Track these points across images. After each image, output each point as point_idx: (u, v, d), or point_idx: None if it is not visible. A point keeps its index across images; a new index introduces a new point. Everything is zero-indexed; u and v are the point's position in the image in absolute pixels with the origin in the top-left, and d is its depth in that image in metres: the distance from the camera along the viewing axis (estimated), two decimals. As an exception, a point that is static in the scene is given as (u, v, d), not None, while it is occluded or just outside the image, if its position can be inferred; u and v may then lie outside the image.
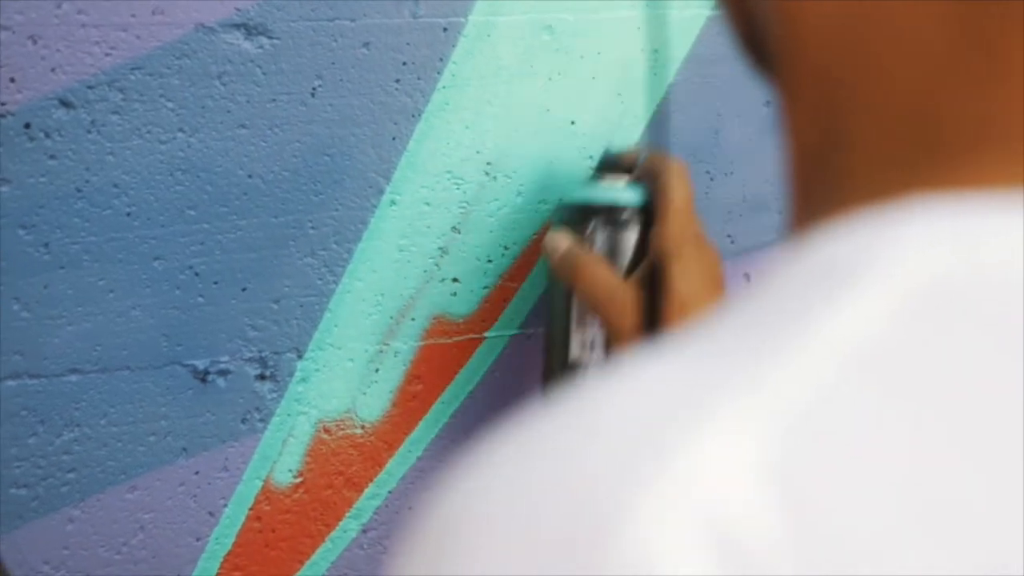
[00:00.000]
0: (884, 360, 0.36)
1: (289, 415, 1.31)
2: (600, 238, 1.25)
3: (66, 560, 1.24)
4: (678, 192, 1.20)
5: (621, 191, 1.25)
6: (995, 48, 0.38)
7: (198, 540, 1.30)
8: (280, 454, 1.32)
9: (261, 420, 1.30)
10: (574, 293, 1.24)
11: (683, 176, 1.23)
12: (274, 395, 1.30)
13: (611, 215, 1.25)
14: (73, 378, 1.21)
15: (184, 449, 1.27)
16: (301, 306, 1.30)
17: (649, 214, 1.23)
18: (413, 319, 1.35)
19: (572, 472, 0.36)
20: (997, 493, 0.33)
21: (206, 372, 1.27)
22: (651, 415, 0.36)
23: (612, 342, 1.20)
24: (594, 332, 1.24)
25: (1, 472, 1.19)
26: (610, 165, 1.30)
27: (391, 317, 1.34)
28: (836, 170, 0.42)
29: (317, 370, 1.32)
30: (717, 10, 0.47)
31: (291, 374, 1.31)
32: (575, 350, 1.25)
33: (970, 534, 0.33)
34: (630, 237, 1.24)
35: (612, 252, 1.24)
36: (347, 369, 1.33)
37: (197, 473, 1.29)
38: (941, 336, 0.36)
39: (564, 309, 1.26)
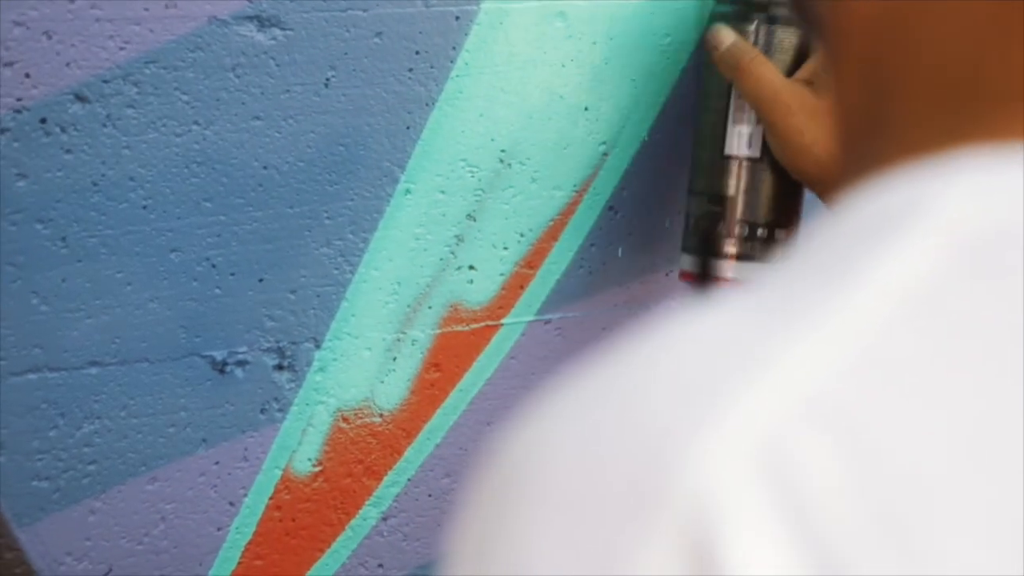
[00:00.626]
0: (933, 307, 0.36)
1: (308, 404, 1.32)
2: (762, 36, 1.24)
3: (88, 551, 1.25)
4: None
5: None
6: None
7: (219, 530, 1.30)
8: (299, 443, 1.32)
9: (280, 410, 1.31)
10: (732, 88, 1.24)
11: None
12: (292, 385, 1.31)
13: (774, 12, 1.24)
14: (92, 371, 1.22)
15: (204, 440, 1.28)
16: (318, 296, 1.31)
17: None
18: (430, 307, 1.36)
19: (632, 417, 0.37)
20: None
21: (224, 363, 1.27)
22: (709, 362, 0.38)
23: (773, 140, 1.21)
24: (752, 128, 1.24)
25: (23, 465, 1.20)
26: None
27: (408, 305, 1.35)
28: (883, 125, 0.43)
29: (335, 359, 1.32)
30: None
31: (309, 364, 1.31)
32: (731, 145, 1.26)
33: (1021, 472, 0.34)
34: (792, 37, 1.23)
35: (773, 50, 1.23)
36: (365, 358, 1.34)
37: (217, 463, 1.29)
38: (988, 284, 0.37)
39: (723, 105, 1.26)
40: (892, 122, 0.43)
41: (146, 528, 1.27)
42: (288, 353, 1.30)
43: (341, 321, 1.32)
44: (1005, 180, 0.38)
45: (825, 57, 0.47)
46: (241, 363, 1.28)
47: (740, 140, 1.25)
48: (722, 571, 0.35)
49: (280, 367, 1.30)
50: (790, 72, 1.22)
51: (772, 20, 1.24)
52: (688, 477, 0.36)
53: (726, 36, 1.23)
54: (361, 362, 1.34)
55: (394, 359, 1.35)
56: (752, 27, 1.24)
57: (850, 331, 0.37)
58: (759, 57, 1.21)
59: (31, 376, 1.20)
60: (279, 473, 1.32)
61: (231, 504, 1.31)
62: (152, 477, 1.26)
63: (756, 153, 1.24)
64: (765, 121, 1.20)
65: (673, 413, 0.37)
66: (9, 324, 1.18)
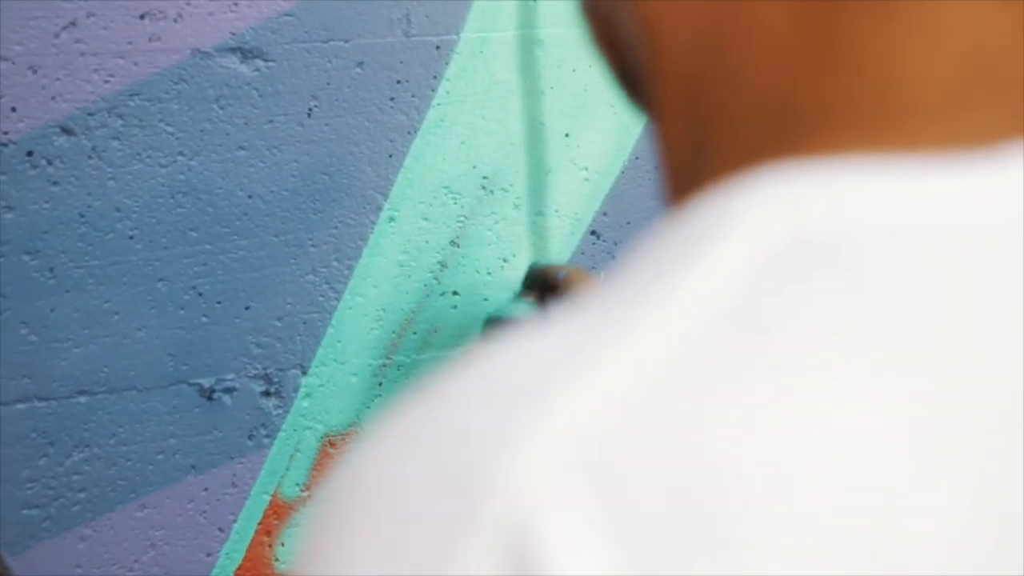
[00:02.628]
0: (738, 313, 0.38)
1: (295, 430, 1.33)
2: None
3: (79, 578, 1.26)
4: None
5: (543, 309, 1.28)
6: (839, 37, 0.41)
7: (208, 556, 1.32)
8: (288, 469, 1.34)
9: (268, 436, 1.32)
10: None
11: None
12: (280, 411, 1.32)
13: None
14: (81, 399, 1.24)
15: (193, 466, 1.30)
16: (304, 323, 1.32)
17: None
18: (415, 333, 1.37)
19: (447, 433, 0.38)
20: (840, 431, 0.36)
21: (212, 390, 1.29)
22: (524, 377, 0.39)
23: None
24: None
25: (13, 493, 1.22)
26: (535, 281, 1.32)
27: (393, 332, 1.36)
28: (704, 150, 0.45)
29: (321, 385, 1.34)
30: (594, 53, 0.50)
31: (296, 390, 1.33)
32: None
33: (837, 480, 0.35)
34: None
35: None
36: (351, 384, 1.35)
37: (206, 490, 1.31)
38: (790, 288, 0.38)
39: None
40: (712, 146, 0.45)
41: (136, 555, 1.28)
42: (275, 379, 1.32)
43: (327, 347, 1.33)
44: (807, 189, 0.40)
45: (650, 114, 0.49)
46: (229, 390, 1.30)
47: None
48: (541, 571, 0.36)
49: (267, 393, 1.31)
50: None
51: None
52: (503, 482, 0.36)
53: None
54: (348, 387, 1.35)
55: (380, 384, 1.36)
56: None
57: (657, 339, 0.38)
58: None
59: (20, 406, 1.21)
60: (267, 499, 1.33)
61: (220, 530, 1.32)
62: (141, 504, 1.28)
63: None
64: None
65: (487, 424, 0.38)
66: (-2, 354, 1.19)
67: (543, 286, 1.31)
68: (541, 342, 0.40)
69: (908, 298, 0.38)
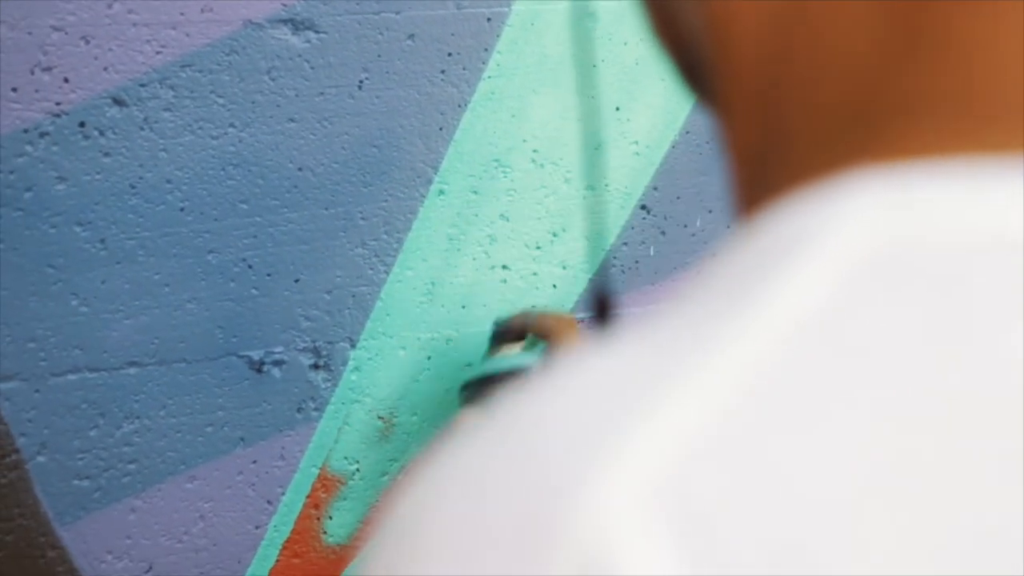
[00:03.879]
0: (831, 329, 0.36)
1: (344, 404, 1.33)
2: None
3: (129, 549, 1.26)
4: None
5: (517, 356, 1.26)
6: (919, 27, 0.40)
7: (257, 528, 1.32)
8: (336, 442, 1.34)
9: (316, 409, 1.32)
10: None
11: (573, 327, 1.25)
12: (328, 384, 1.32)
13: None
14: (132, 371, 1.24)
15: (241, 439, 1.30)
16: (353, 296, 1.32)
17: None
18: (463, 307, 1.37)
19: (523, 463, 0.37)
20: (944, 457, 0.34)
21: (261, 363, 1.29)
22: (601, 403, 0.37)
23: None
24: None
25: (64, 464, 1.22)
26: (502, 335, 1.30)
27: (442, 305, 1.36)
28: (778, 157, 0.42)
29: (370, 359, 1.34)
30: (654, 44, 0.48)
31: (345, 363, 1.33)
32: None
33: (924, 501, 0.33)
34: None
35: None
36: (400, 357, 1.35)
37: (255, 462, 1.31)
38: (883, 300, 0.36)
39: None
40: (789, 146, 0.43)
41: (185, 526, 1.28)
42: (324, 353, 1.31)
43: (376, 321, 1.33)
44: (900, 196, 0.38)
45: (715, 112, 0.47)
46: (278, 363, 1.29)
47: None
48: None
49: (316, 366, 1.31)
50: None
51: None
52: (582, 517, 0.35)
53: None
54: (396, 361, 1.35)
55: (428, 358, 1.36)
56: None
57: (745, 362, 0.36)
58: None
59: (71, 377, 1.21)
60: (316, 472, 1.33)
61: (268, 503, 1.32)
62: (191, 476, 1.28)
63: None
64: None
65: (565, 456, 0.36)
66: (49, 325, 1.19)
67: (513, 337, 1.29)
68: (614, 367, 0.39)
69: (1009, 318, 0.36)
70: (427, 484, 0.39)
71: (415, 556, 0.38)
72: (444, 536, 0.37)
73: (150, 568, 1.27)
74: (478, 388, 1.26)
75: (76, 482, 1.23)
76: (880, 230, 0.37)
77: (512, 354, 1.27)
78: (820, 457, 0.34)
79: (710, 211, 1.42)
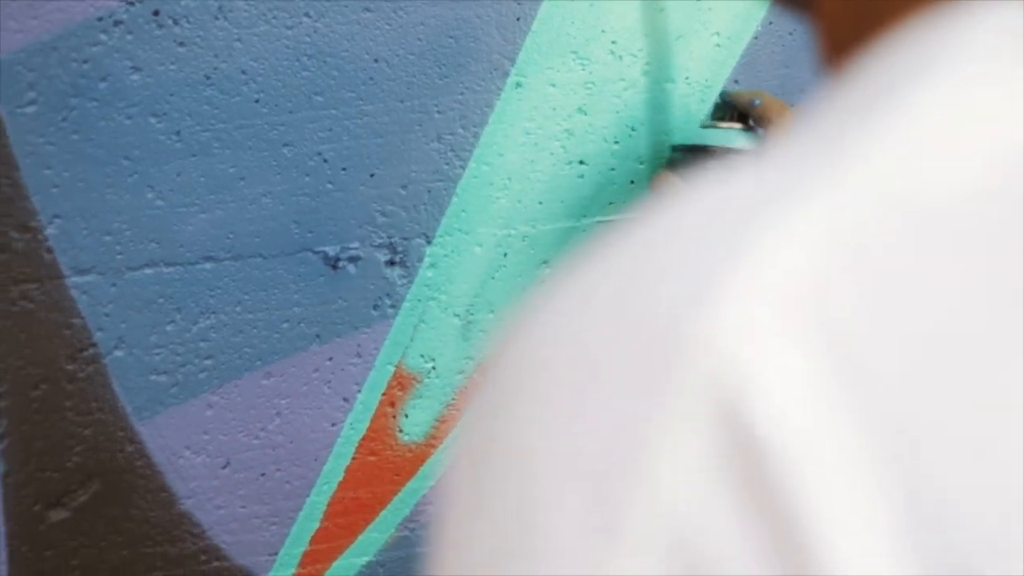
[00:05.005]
0: (960, 133, 0.34)
1: (419, 301, 1.31)
2: None
3: (206, 445, 1.26)
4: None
5: (736, 135, 1.23)
6: None
7: (333, 425, 1.31)
8: (412, 340, 1.32)
9: (392, 306, 1.30)
10: None
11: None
12: (404, 281, 1.30)
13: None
14: (207, 266, 1.22)
15: (317, 336, 1.28)
16: (429, 191, 1.29)
17: None
18: (540, 203, 1.34)
19: (639, 285, 0.35)
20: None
21: (337, 259, 1.27)
22: (720, 223, 0.35)
23: None
24: None
25: (141, 359, 1.21)
26: (726, 109, 1.28)
27: (518, 201, 1.33)
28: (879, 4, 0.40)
29: (446, 256, 1.32)
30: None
31: (420, 260, 1.31)
32: None
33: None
34: None
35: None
36: (476, 254, 1.33)
37: (331, 359, 1.29)
38: None
39: None
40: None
41: (262, 423, 1.28)
42: (400, 249, 1.29)
43: (452, 217, 1.31)
44: None
45: None
46: (353, 259, 1.28)
47: None
48: (755, 430, 0.32)
49: (392, 263, 1.29)
50: None
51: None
52: (714, 327, 0.33)
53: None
54: (472, 258, 1.33)
55: (505, 255, 1.34)
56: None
57: (878, 173, 0.34)
58: None
59: (147, 271, 1.20)
60: (392, 369, 1.32)
61: (345, 400, 1.31)
62: (267, 372, 1.27)
63: None
64: None
65: (686, 274, 0.34)
66: (125, 219, 1.18)
67: (735, 115, 1.26)
68: (734, 187, 0.36)
69: None
70: (527, 332, 0.37)
71: (520, 404, 0.36)
72: (552, 377, 0.35)
73: (227, 464, 1.27)
74: (687, 154, 1.25)
75: (153, 377, 1.22)
76: (1009, 53, 0.35)
77: (732, 131, 1.25)
78: (947, 275, 0.32)
79: (792, 104, 1.38)
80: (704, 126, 1.28)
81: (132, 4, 1.14)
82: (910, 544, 0.31)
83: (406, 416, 1.34)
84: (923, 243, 0.33)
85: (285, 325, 1.27)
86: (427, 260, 1.31)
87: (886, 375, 0.32)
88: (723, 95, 1.29)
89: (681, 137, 1.27)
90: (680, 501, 0.32)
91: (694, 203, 0.36)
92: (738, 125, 1.24)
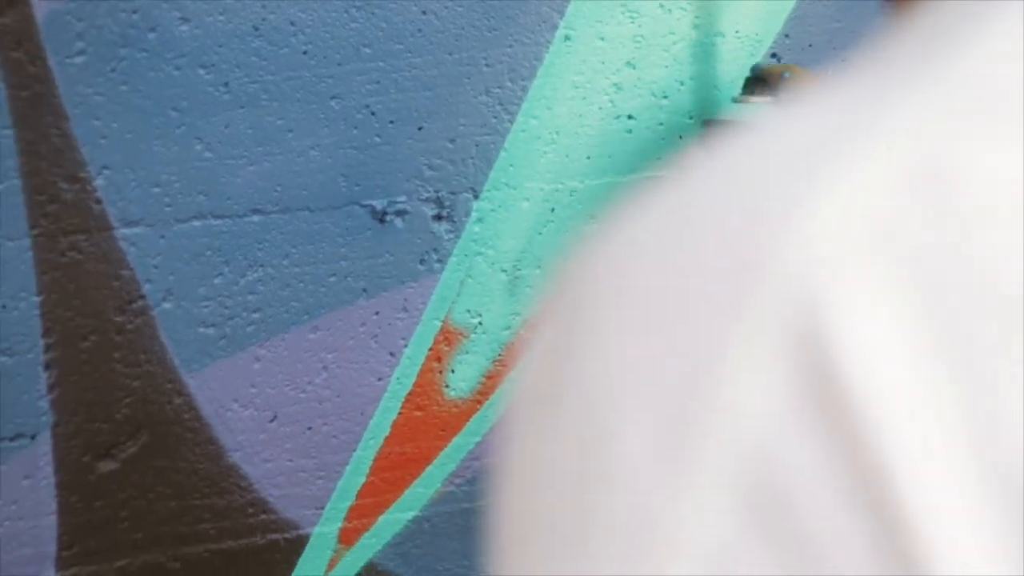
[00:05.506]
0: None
1: (466, 256, 1.31)
2: None
3: (254, 398, 1.26)
4: None
5: (763, 107, 1.22)
6: None
7: (379, 380, 1.31)
8: (458, 295, 1.31)
9: (439, 261, 1.30)
10: None
11: None
12: (451, 236, 1.30)
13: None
14: (255, 218, 1.22)
15: (364, 290, 1.28)
16: (477, 145, 1.29)
17: None
18: (588, 158, 1.33)
19: (719, 205, 0.34)
20: None
21: (384, 212, 1.26)
22: (798, 146, 0.34)
23: None
24: None
25: (190, 311, 1.21)
26: (756, 83, 1.26)
27: (566, 156, 1.32)
28: None
29: (493, 210, 1.31)
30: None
31: (468, 214, 1.30)
32: None
33: None
34: None
35: None
36: (523, 209, 1.32)
37: (377, 314, 1.29)
38: None
39: None
40: None
41: (309, 376, 1.28)
42: (447, 203, 1.29)
43: (499, 171, 1.30)
44: None
45: None
46: (400, 213, 1.27)
47: None
48: (837, 360, 0.31)
49: (439, 217, 1.29)
50: None
51: None
52: (789, 254, 0.32)
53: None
54: (519, 213, 1.32)
55: (552, 210, 1.33)
56: None
57: (962, 93, 0.33)
58: None
59: (196, 223, 1.20)
60: (438, 324, 1.31)
61: (391, 354, 1.30)
62: (314, 326, 1.27)
63: None
64: None
65: (770, 200, 0.33)
66: (174, 170, 1.18)
67: (766, 89, 1.25)
68: (815, 117, 0.35)
69: None
70: (598, 249, 0.36)
71: (593, 320, 0.35)
72: (626, 293, 0.34)
73: (275, 417, 1.27)
74: (718, 128, 1.24)
75: (201, 330, 1.22)
76: None
77: (760, 104, 1.23)
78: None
79: (843, 59, 1.37)
80: (735, 100, 1.26)
81: (181, -46, 1.14)
82: (984, 488, 0.30)
83: (452, 371, 1.33)
84: (991, 157, 0.32)
85: (332, 279, 1.26)
86: (474, 215, 1.30)
87: (966, 313, 0.31)
88: (754, 69, 1.27)
89: (711, 112, 1.25)
90: (757, 428, 0.32)
91: (778, 131, 0.36)
92: (769, 99, 1.23)
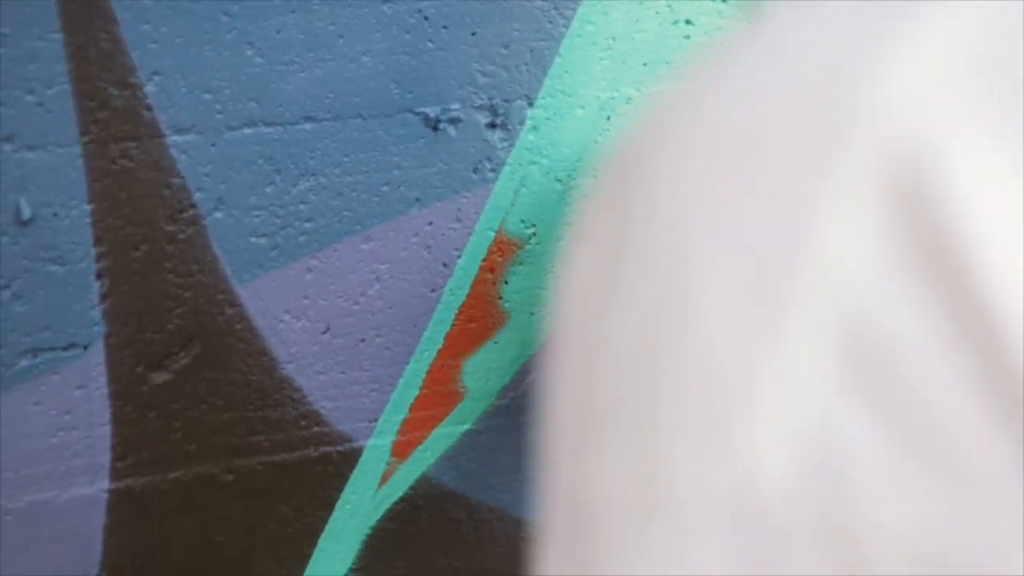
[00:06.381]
0: None
1: (520, 165, 1.28)
2: None
3: (306, 309, 1.24)
4: None
5: None
6: None
7: (432, 291, 1.29)
8: (512, 205, 1.29)
9: (492, 170, 1.27)
10: None
11: None
12: (505, 144, 1.27)
13: None
14: (307, 126, 1.20)
15: (417, 199, 1.26)
16: (531, 51, 1.26)
17: None
18: (645, 64, 1.30)
19: (805, 58, 0.32)
20: None
21: (437, 120, 1.24)
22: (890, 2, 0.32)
23: None
24: None
25: (241, 220, 1.19)
26: None
27: (623, 62, 1.29)
28: None
29: (548, 118, 1.28)
30: None
31: (522, 122, 1.27)
32: None
33: None
34: None
35: None
36: (578, 117, 1.29)
37: (430, 224, 1.27)
38: None
39: None
40: None
41: (362, 287, 1.26)
42: (501, 111, 1.26)
43: (554, 78, 1.27)
44: None
45: None
46: (454, 120, 1.24)
47: None
48: (931, 202, 0.29)
49: (493, 125, 1.26)
50: None
51: None
52: (884, 105, 0.30)
53: None
54: (574, 121, 1.29)
55: (608, 118, 1.30)
56: None
57: None
58: None
59: (247, 130, 1.18)
60: (492, 235, 1.29)
61: (444, 265, 1.28)
62: (367, 236, 1.25)
63: None
64: None
65: (860, 48, 0.32)
66: (224, 77, 1.15)
67: None
68: None
69: None
70: (696, 95, 0.34)
71: (665, 179, 0.33)
72: (724, 138, 0.32)
73: (327, 329, 1.25)
74: None
75: (253, 239, 1.20)
76: None
77: None
78: None
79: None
80: None
81: None
82: None
83: (506, 283, 1.31)
84: None
85: (385, 188, 1.24)
86: (528, 123, 1.27)
87: None
88: None
89: None
90: (852, 273, 0.30)
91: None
92: None
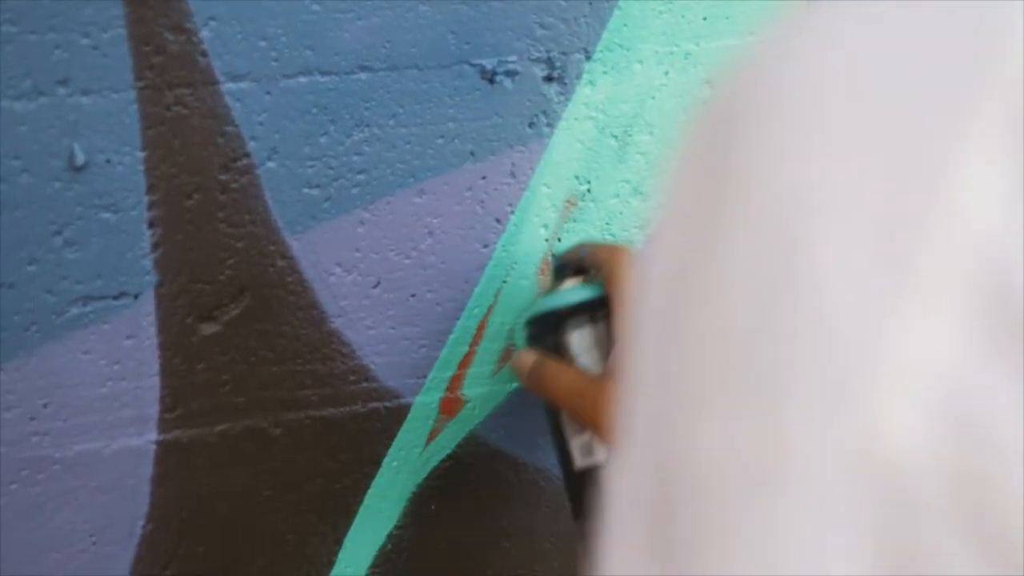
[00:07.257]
0: None
1: (576, 120, 1.26)
2: (575, 341, 1.17)
3: (358, 263, 1.22)
4: (626, 273, 1.13)
5: (576, 291, 1.18)
6: None
7: (485, 247, 1.27)
8: (567, 160, 1.27)
9: (548, 124, 1.25)
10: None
11: (626, 257, 1.14)
12: (561, 98, 1.25)
13: (575, 316, 1.17)
14: (363, 76, 1.17)
15: (471, 153, 1.24)
16: (590, 3, 1.23)
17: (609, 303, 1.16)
18: (704, 19, 1.27)
19: (936, 15, 0.30)
20: None
21: (494, 72, 1.22)
22: None
23: (601, 438, 1.14)
24: (587, 436, 1.16)
25: (294, 171, 1.17)
26: (563, 270, 1.21)
27: (682, 16, 1.27)
28: None
29: (605, 72, 1.26)
30: None
31: (579, 76, 1.25)
32: (577, 459, 1.17)
33: None
34: (602, 329, 1.16)
35: (593, 349, 1.17)
36: (636, 71, 1.27)
37: (484, 178, 1.25)
38: None
39: (556, 424, 1.18)
40: None
41: (414, 241, 1.24)
42: (558, 64, 1.24)
43: (613, 31, 1.25)
44: None
45: None
46: (510, 73, 1.22)
47: (583, 451, 1.17)
48: None
49: (549, 78, 1.24)
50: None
51: (578, 324, 1.17)
52: (1012, 47, 0.28)
53: (526, 359, 1.18)
54: (632, 75, 1.27)
55: (666, 73, 1.28)
56: (561, 337, 1.17)
57: None
58: (557, 365, 1.16)
59: (302, 79, 1.15)
60: (546, 191, 1.27)
61: (497, 221, 1.27)
62: (420, 189, 1.23)
63: (603, 454, 1.16)
64: (582, 422, 1.14)
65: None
66: (280, 24, 1.13)
67: (573, 271, 1.20)
68: None
69: None
70: (805, 47, 0.32)
71: (795, 117, 0.31)
72: (822, 95, 0.30)
73: (378, 283, 1.23)
74: (542, 325, 1.18)
75: (306, 190, 1.18)
76: None
77: (572, 288, 1.19)
78: None
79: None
80: (547, 293, 1.20)
81: None
82: None
83: (559, 240, 1.29)
84: None
85: (439, 141, 1.22)
86: (585, 77, 1.25)
87: None
88: (555, 260, 1.21)
89: (530, 311, 1.19)
90: (988, 228, 0.28)
91: None
92: (579, 279, 1.17)
